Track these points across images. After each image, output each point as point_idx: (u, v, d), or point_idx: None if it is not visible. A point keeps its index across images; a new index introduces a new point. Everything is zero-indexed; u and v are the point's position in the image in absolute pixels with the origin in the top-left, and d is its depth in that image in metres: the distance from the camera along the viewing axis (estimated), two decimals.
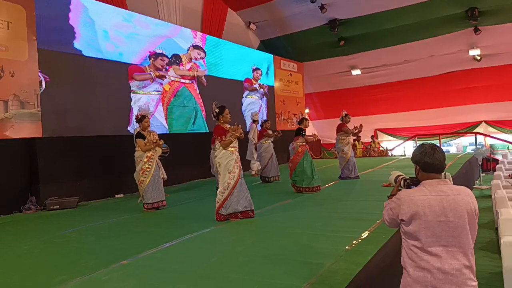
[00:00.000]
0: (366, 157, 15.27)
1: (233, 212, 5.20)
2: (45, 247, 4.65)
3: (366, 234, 4.12)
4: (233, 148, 5.24)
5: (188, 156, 9.95)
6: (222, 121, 5.36)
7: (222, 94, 11.22)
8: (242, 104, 12.89)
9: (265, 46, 15.70)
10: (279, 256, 3.63)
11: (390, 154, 16.09)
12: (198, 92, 10.96)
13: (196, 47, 11.06)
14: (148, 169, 6.29)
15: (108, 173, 8.36)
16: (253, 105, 13.33)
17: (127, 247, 4.30)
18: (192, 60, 10.87)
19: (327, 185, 7.96)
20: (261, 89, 13.82)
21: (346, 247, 3.70)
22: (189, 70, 10.68)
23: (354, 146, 15.74)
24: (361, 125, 8.74)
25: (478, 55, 14.07)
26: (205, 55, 11.32)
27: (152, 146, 6.36)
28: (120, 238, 4.86)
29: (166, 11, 10.89)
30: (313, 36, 14.87)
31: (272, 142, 9.44)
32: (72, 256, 4.18)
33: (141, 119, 6.45)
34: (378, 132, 17.27)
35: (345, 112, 8.77)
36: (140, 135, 6.34)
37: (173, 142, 8.58)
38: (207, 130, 10.80)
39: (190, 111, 10.60)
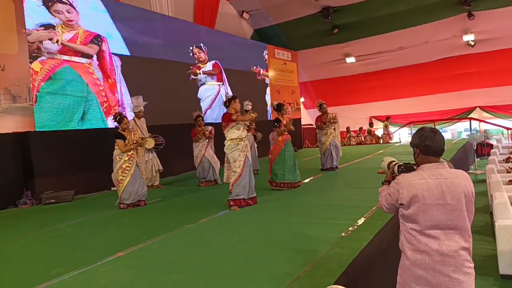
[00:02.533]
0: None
1: (237, 199, 5.34)
2: (41, 241, 4.64)
3: (362, 221, 4.14)
4: (237, 140, 5.33)
5: (183, 147, 9.89)
6: (233, 107, 5.44)
7: (157, 79, 9.49)
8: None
9: (259, 35, 15.60)
10: (275, 245, 3.63)
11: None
12: (95, 77, 8.23)
13: None
14: (128, 168, 5.98)
15: (104, 166, 8.26)
16: (207, 92, 11.46)
17: (123, 239, 4.30)
18: (82, 25, 7.98)
19: (321, 174, 7.98)
20: (200, 72, 11.20)
21: (342, 234, 3.72)
22: (83, 43, 8.00)
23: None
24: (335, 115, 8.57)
25: (472, 41, 14.06)
26: (78, 14, 7.92)
27: (133, 147, 6.03)
28: (116, 231, 4.86)
29: (158, 1, 10.77)
30: (307, 24, 14.79)
31: (251, 134, 8.83)
32: (69, 249, 4.17)
33: (119, 120, 6.09)
34: (374, 120, 17.29)
35: (320, 102, 8.59)
36: (119, 136, 6.00)
37: (168, 134, 8.54)
38: (106, 126, 8.41)
39: (73, 101, 7.78)
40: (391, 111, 16.32)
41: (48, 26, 7.48)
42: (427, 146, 2.03)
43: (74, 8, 7.98)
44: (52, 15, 7.57)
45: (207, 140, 7.82)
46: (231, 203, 5.34)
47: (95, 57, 8.30)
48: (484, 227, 5.65)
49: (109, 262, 3.53)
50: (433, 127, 2.23)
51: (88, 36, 8.21)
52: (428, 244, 1.93)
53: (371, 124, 16.13)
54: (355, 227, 3.94)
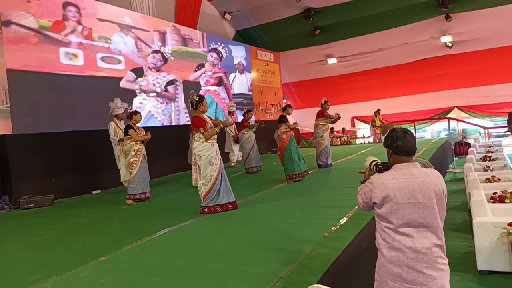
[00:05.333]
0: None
1: (212, 205, 5.14)
2: (19, 247, 4.53)
3: (345, 220, 4.18)
4: (213, 140, 5.17)
5: (164, 149, 9.82)
6: (201, 110, 5.23)
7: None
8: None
9: (241, 36, 15.60)
10: (259, 245, 3.64)
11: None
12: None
13: None
14: (135, 162, 6.51)
15: (84, 169, 8.17)
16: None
17: (105, 243, 4.24)
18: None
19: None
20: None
21: (325, 234, 3.75)
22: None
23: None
24: (338, 114, 8.73)
25: (449, 42, 14.38)
26: None
27: (147, 137, 6.65)
28: (97, 235, 4.78)
29: (138, 1, 10.65)
30: (289, 26, 14.86)
31: (254, 132, 9.28)
32: (48, 255, 4.09)
33: (135, 112, 6.83)
34: (355, 120, 17.48)
35: (325, 99, 8.70)
36: (130, 127, 6.57)
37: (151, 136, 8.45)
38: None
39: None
40: (372, 112, 16.54)
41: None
42: (399, 146, 2.08)
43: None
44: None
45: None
46: (205, 210, 5.14)
47: None
48: (463, 224, 5.77)
49: (90, 266, 3.48)
50: (405, 127, 2.28)
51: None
52: (402, 242, 1.98)
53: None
54: (338, 226, 3.98)
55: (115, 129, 7.35)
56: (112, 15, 9.32)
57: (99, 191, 8.27)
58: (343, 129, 16.52)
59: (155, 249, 3.92)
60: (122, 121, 7.58)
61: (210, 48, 12.71)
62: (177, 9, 12.16)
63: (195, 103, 5.24)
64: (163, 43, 10.84)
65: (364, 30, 14.59)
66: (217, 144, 5.25)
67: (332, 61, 16.43)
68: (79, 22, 8.51)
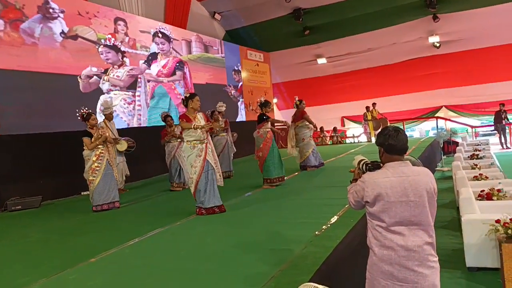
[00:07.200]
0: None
1: (198, 207, 5.10)
2: (6, 250, 4.46)
3: (335, 219, 4.19)
4: (194, 142, 5.00)
5: (151, 150, 9.70)
6: (191, 106, 5.09)
7: None
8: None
9: (231, 36, 15.58)
10: (249, 245, 3.63)
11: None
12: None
13: None
14: (97, 168, 5.92)
15: (73, 170, 8.01)
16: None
17: (94, 245, 4.19)
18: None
19: (296, 173, 8.03)
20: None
21: (316, 233, 3.75)
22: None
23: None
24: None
25: (437, 42, 14.55)
26: None
27: (98, 142, 5.95)
28: (87, 236, 4.73)
29: (127, 1, 10.56)
30: (278, 26, 14.92)
31: (225, 134, 8.64)
32: (36, 257, 4.03)
33: (87, 117, 6.04)
34: (345, 120, 17.58)
35: (298, 99, 8.33)
36: (86, 134, 5.97)
37: (137, 137, 8.37)
38: None
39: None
40: (362, 111, 16.66)
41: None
42: (391, 145, 2.09)
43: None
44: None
45: (179, 140, 7.49)
46: (203, 211, 5.06)
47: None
48: (451, 222, 5.84)
49: (80, 268, 3.43)
50: (397, 126, 2.31)
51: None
52: (394, 240, 1.99)
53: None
54: (329, 225, 3.99)
55: (105, 128, 7.28)
56: (150, 27, 10.80)
57: (88, 193, 8.16)
58: (334, 128, 16.58)
59: (145, 250, 3.89)
60: (113, 121, 7.55)
61: (153, 33, 10.88)
62: (166, 9, 12.10)
63: (185, 100, 5.13)
64: (189, 50, 12.13)
65: (353, 31, 14.71)
66: (200, 146, 5.01)
67: (322, 61, 16.52)
68: (126, 34, 9.96)
